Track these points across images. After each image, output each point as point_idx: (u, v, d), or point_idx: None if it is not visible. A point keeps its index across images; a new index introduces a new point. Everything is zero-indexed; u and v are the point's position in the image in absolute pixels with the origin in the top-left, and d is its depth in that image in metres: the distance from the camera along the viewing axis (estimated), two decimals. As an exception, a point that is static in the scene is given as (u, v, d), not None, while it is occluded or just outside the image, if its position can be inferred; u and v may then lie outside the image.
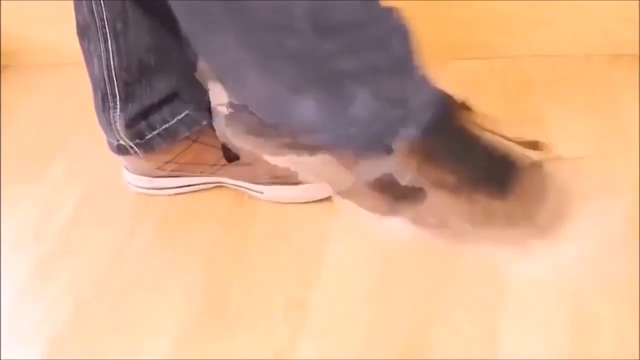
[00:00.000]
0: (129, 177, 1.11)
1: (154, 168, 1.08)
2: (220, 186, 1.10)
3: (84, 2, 0.97)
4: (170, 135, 1.04)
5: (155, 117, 1.03)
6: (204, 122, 1.03)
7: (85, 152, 1.22)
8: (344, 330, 0.90)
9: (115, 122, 1.03)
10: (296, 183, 1.02)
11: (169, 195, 1.11)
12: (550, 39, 1.23)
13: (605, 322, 0.86)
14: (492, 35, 1.24)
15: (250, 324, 0.93)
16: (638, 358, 0.82)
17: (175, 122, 1.03)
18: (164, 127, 1.03)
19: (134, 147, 1.05)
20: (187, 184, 1.10)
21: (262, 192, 1.07)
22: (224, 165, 1.06)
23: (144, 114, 1.03)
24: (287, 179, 1.04)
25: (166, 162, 1.08)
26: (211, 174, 1.08)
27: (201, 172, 1.09)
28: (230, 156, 1.05)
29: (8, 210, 1.14)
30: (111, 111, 1.03)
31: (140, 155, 1.06)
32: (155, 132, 1.04)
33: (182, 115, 1.03)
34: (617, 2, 1.18)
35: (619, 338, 0.84)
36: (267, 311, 0.94)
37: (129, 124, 1.03)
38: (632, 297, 0.88)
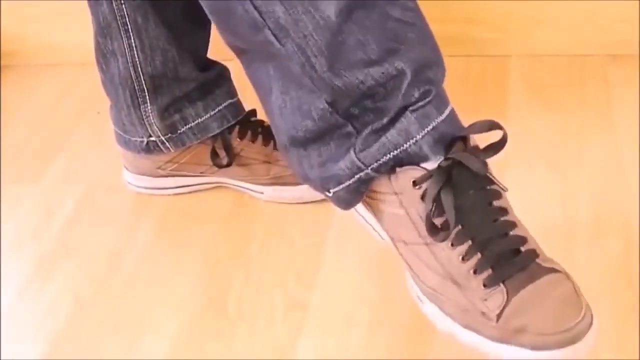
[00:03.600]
0: (129, 176, 1.12)
1: (154, 168, 1.08)
2: (220, 186, 1.10)
3: (103, 1, 0.97)
4: (202, 131, 1.05)
5: (189, 111, 1.04)
6: (233, 120, 1.05)
7: (85, 152, 1.22)
8: (344, 330, 0.90)
9: (148, 116, 1.04)
10: (296, 184, 1.03)
11: (169, 195, 1.11)
12: (548, 38, 1.23)
13: (605, 323, 0.86)
14: (490, 33, 1.24)
15: (250, 324, 0.93)
16: (638, 358, 0.82)
17: (207, 118, 1.05)
18: (196, 121, 1.04)
19: (166, 142, 1.05)
20: (187, 184, 1.10)
21: (262, 193, 1.07)
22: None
23: (177, 106, 1.04)
24: (288, 180, 1.04)
25: (166, 162, 1.08)
26: (211, 174, 1.08)
27: (201, 172, 1.09)
28: (218, 163, 1.06)
29: (8, 210, 1.14)
30: (142, 106, 1.03)
31: (172, 150, 1.06)
32: (187, 126, 1.04)
33: (215, 111, 1.04)
34: (615, 3, 1.18)
35: (619, 338, 0.84)
36: (267, 311, 0.94)
37: (163, 116, 1.04)
38: (632, 297, 0.88)
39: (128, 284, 1.00)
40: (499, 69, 1.23)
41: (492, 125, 0.79)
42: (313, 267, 0.98)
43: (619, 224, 0.96)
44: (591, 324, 0.71)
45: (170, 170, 1.09)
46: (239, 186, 1.09)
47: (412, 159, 0.77)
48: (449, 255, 0.76)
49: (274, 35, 0.74)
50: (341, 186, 0.81)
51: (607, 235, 0.95)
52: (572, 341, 0.70)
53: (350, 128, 0.78)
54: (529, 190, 1.02)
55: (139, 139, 1.06)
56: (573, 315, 0.71)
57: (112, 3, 0.97)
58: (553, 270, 0.74)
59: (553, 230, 0.96)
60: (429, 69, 0.77)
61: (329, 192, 0.83)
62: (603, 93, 1.15)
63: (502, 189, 0.79)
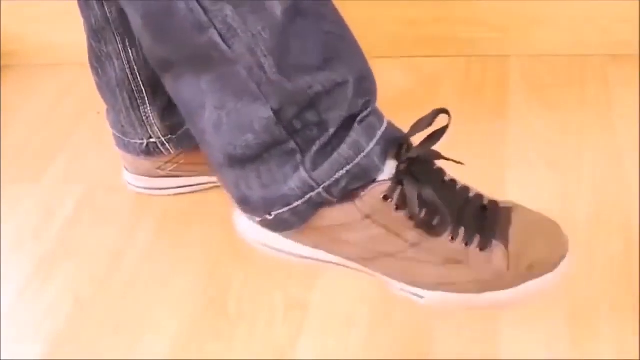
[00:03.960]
0: (129, 177, 1.12)
1: (154, 168, 1.08)
2: (220, 186, 1.10)
3: (94, 3, 0.96)
4: None
5: None
6: None
7: (85, 152, 1.22)
8: (344, 330, 0.90)
9: (148, 117, 1.03)
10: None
11: (169, 195, 1.11)
12: (548, 38, 1.23)
13: (605, 323, 0.86)
14: (490, 33, 1.24)
15: (250, 324, 0.93)
16: (638, 358, 0.82)
17: None
18: None
19: (166, 144, 1.05)
20: (187, 184, 1.10)
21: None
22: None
23: (176, 107, 1.03)
24: None
25: (166, 162, 1.08)
26: (211, 174, 1.08)
27: (201, 173, 1.09)
28: None
29: (8, 210, 1.14)
30: (141, 107, 1.03)
31: (172, 152, 1.06)
32: (187, 127, 1.03)
33: None
34: (615, 3, 1.18)
35: (619, 338, 0.84)
36: (267, 311, 0.94)
37: (163, 117, 1.03)
38: (632, 297, 0.88)
39: (128, 284, 1.00)
40: (499, 69, 1.23)
41: (435, 115, 0.80)
42: (313, 267, 0.98)
43: (619, 224, 0.96)
44: (559, 225, 0.81)
45: (170, 170, 1.09)
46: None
47: (366, 173, 0.77)
48: (440, 242, 0.79)
49: (221, 36, 0.71)
50: (287, 208, 0.80)
51: (607, 235, 0.95)
52: (566, 247, 0.80)
53: (293, 144, 0.76)
54: (529, 190, 1.02)
55: (139, 141, 1.06)
56: (557, 231, 0.81)
57: (103, 6, 0.96)
58: (513, 207, 0.81)
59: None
60: (365, 80, 0.78)
61: (270, 215, 0.81)
62: (603, 93, 1.15)
63: (459, 163, 0.81)
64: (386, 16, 1.25)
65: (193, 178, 1.10)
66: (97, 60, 1.01)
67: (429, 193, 0.77)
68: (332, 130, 0.75)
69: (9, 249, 1.08)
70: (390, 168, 0.78)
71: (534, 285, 0.79)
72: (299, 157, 0.76)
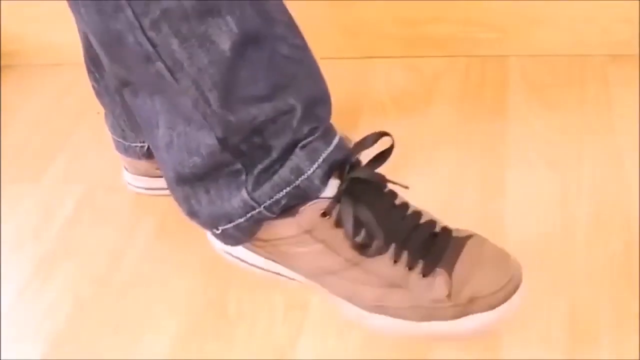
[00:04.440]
0: (129, 177, 1.11)
1: (153, 169, 1.08)
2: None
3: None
4: None
5: None
6: None
7: (85, 152, 1.22)
8: (344, 330, 0.90)
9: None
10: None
11: (169, 195, 1.11)
12: (548, 38, 1.23)
13: (605, 322, 0.86)
14: (490, 33, 1.24)
15: (250, 324, 0.93)
16: (638, 358, 0.82)
17: None
18: None
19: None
20: (187, 184, 1.10)
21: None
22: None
23: None
24: None
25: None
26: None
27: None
28: None
29: (8, 210, 1.14)
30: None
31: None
32: None
33: None
34: (615, 3, 1.18)
35: (619, 338, 0.84)
36: (267, 311, 0.94)
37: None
38: (632, 297, 0.88)
39: (128, 284, 1.00)
40: (499, 69, 1.23)
41: (378, 136, 0.81)
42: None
43: (619, 224, 0.96)
44: (519, 264, 0.79)
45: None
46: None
47: (306, 193, 0.79)
48: (381, 264, 0.79)
49: (168, 69, 0.73)
50: (232, 224, 0.82)
51: (607, 235, 0.95)
52: (517, 286, 0.78)
53: (239, 165, 0.78)
54: (529, 190, 1.02)
55: (140, 144, 1.06)
56: (506, 266, 0.78)
57: None
58: (469, 237, 0.80)
59: (553, 231, 0.96)
60: (316, 106, 0.78)
61: (217, 229, 0.84)
62: (603, 93, 1.15)
63: (403, 187, 0.82)
64: (386, 16, 1.25)
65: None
66: (94, 66, 1.01)
67: (365, 214, 0.78)
68: (275, 155, 0.77)
69: (9, 249, 1.08)
70: (333, 187, 0.80)
71: (473, 321, 0.78)
72: (243, 177, 0.78)
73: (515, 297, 0.77)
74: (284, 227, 0.81)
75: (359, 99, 1.21)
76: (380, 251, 0.79)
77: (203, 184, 0.81)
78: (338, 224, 0.80)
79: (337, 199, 0.79)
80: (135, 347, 0.93)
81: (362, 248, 0.79)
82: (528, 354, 0.85)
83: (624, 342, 0.84)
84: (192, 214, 0.85)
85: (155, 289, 0.99)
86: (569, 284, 0.90)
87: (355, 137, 0.84)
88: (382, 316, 0.81)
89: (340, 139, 0.81)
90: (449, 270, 0.77)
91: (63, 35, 1.37)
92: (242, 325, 0.93)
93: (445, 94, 1.20)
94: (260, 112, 0.75)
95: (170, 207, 1.10)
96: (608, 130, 1.09)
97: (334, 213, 0.79)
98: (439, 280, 0.78)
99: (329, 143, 0.79)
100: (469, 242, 0.79)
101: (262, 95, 0.75)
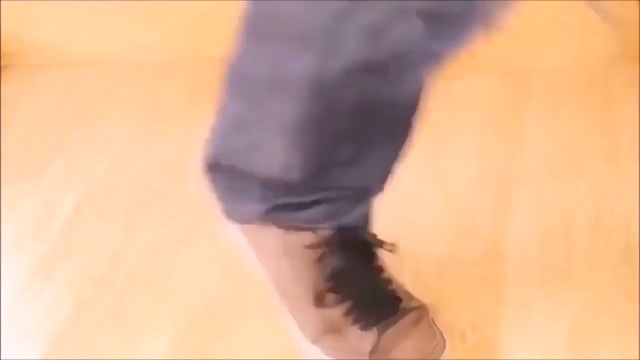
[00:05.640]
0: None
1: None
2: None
3: None
4: None
5: None
6: None
7: (85, 152, 1.22)
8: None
9: None
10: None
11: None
12: (548, 41, 1.23)
13: (605, 322, 0.86)
14: (492, 39, 1.24)
15: (250, 324, 0.93)
16: (638, 358, 0.82)
17: None
18: None
19: None
20: (187, 184, 1.11)
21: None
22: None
23: None
24: None
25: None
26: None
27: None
28: None
29: (8, 210, 1.14)
30: None
31: None
32: None
33: None
34: (615, 3, 1.18)
35: (619, 338, 0.84)
36: (268, 311, 0.93)
37: None
38: (632, 297, 0.88)
39: (128, 284, 1.00)
40: (496, 68, 1.23)
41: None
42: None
43: (619, 224, 0.96)
44: (444, 344, 0.84)
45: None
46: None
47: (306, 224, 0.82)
48: (329, 312, 0.84)
49: None
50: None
51: (607, 235, 0.95)
52: None
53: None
54: (530, 191, 1.02)
55: None
56: (430, 343, 0.83)
57: None
58: (413, 309, 0.85)
59: (553, 231, 0.96)
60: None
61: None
62: (603, 94, 1.16)
63: (389, 250, 0.86)
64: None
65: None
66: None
67: (343, 270, 0.83)
68: (295, 199, 0.81)
69: (9, 249, 1.08)
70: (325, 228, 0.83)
71: None
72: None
73: None
74: (270, 235, 0.84)
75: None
76: (337, 304, 0.83)
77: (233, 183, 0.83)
78: (318, 260, 0.83)
79: (327, 241, 0.83)
80: (135, 347, 0.93)
81: (319, 297, 0.84)
82: (528, 354, 0.85)
83: (624, 342, 0.84)
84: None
85: (155, 289, 0.99)
86: (569, 284, 0.90)
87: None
88: (318, 349, 0.86)
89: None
90: (382, 332, 0.83)
91: (63, 35, 1.37)
92: (242, 325, 0.93)
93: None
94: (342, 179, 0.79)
95: (170, 207, 1.10)
96: (608, 130, 1.10)
97: (318, 251, 0.83)
98: (369, 337, 0.83)
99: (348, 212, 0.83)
100: (411, 314, 0.84)
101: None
